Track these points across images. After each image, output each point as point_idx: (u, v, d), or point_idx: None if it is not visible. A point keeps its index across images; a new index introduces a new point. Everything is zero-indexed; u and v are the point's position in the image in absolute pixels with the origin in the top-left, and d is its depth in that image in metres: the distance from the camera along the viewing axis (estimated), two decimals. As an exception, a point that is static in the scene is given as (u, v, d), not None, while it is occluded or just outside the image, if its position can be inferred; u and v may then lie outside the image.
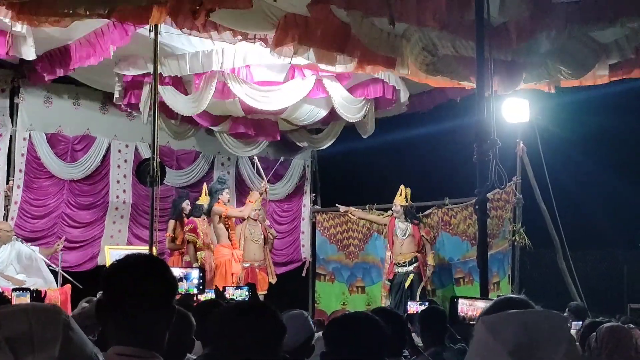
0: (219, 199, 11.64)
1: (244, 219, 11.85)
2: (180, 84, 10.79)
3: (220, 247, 11.54)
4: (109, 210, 12.12)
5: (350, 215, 12.90)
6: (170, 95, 10.57)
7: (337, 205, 12.69)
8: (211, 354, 2.18)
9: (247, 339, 2.12)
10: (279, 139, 12.45)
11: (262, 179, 12.49)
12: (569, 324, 1.50)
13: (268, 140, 12.56)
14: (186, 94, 10.76)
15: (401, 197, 11.80)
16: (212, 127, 12.06)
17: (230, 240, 11.59)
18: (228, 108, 11.15)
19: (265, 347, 2.13)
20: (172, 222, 11.68)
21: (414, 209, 11.94)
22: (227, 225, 11.68)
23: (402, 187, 11.84)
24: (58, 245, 10.58)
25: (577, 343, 6.16)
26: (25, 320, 1.32)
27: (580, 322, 7.72)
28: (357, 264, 13.35)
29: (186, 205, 11.70)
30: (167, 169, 12.02)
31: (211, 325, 2.25)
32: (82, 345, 1.34)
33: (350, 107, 11.28)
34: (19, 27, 8.60)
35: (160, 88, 9.13)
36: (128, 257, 2.51)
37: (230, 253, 11.49)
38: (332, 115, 11.75)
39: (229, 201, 12.11)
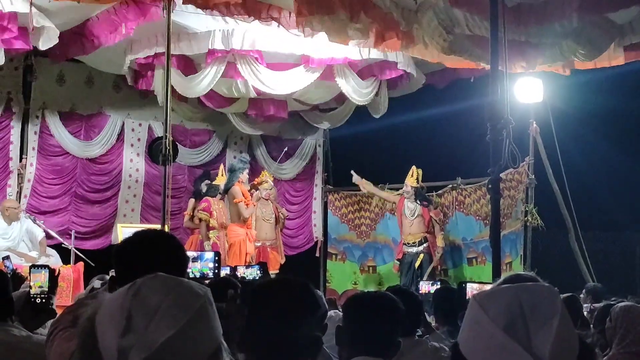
0: (239, 177, 11.64)
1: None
2: (192, 67, 10.77)
3: (234, 227, 11.49)
4: (121, 188, 12.17)
5: (362, 187, 12.52)
6: (177, 78, 10.53)
7: (352, 172, 12.34)
8: (245, 328, 2.17)
9: (280, 313, 2.12)
10: (286, 117, 12.41)
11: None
12: (560, 296, 1.49)
13: (278, 120, 12.53)
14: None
15: (412, 178, 11.75)
16: (222, 110, 12.05)
17: (245, 220, 11.55)
18: (240, 89, 11.11)
19: (300, 322, 2.13)
20: (192, 201, 11.83)
21: (424, 190, 11.89)
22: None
23: (413, 167, 11.78)
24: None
25: (591, 325, 6.17)
26: (161, 295, 1.30)
27: (589, 305, 7.74)
28: (369, 244, 13.35)
29: (204, 185, 11.79)
30: (181, 148, 12.14)
31: (246, 298, 2.25)
32: (199, 338, 1.31)
33: (360, 91, 11.23)
34: (44, 21, 8.64)
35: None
36: (138, 233, 2.55)
37: (244, 233, 11.48)
38: (344, 95, 11.72)
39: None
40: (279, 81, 10.59)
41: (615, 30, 8.20)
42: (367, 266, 13.38)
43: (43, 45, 9.21)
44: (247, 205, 11.47)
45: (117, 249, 2.48)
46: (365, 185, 12.54)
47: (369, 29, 8.29)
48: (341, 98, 12.11)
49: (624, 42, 8.51)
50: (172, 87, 8.95)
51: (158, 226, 8.67)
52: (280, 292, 2.20)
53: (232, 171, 11.71)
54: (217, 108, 11.85)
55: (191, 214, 11.65)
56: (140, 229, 2.54)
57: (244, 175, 11.76)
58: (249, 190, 11.84)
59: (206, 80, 10.44)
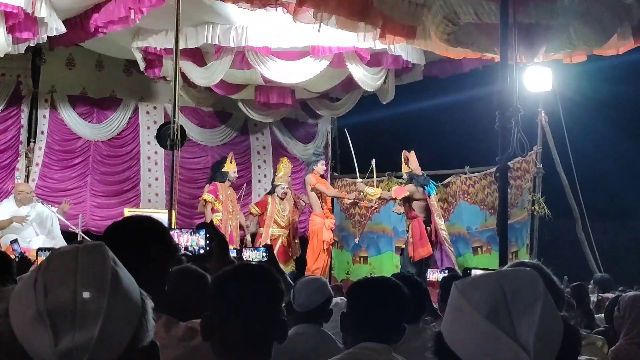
0: (313, 169, 12.16)
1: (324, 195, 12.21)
2: (200, 55, 10.74)
3: (313, 216, 12.18)
4: (141, 172, 12.19)
5: (368, 194, 11.76)
6: (187, 66, 10.53)
7: (356, 182, 12.07)
8: (208, 316, 2.18)
9: (241, 301, 2.13)
10: (294, 105, 12.45)
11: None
12: (541, 281, 1.48)
13: (285, 108, 12.51)
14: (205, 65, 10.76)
15: (405, 165, 11.62)
16: (231, 96, 12.04)
17: (323, 210, 12.12)
18: (247, 77, 11.13)
19: (261, 309, 2.14)
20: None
21: (423, 175, 11.53)
22: (318, 195, 12.04)
23: (404, 152, 11.62)
24: (65, 204, 10.51)
25: (597, 315, 6.16)
26: (72, 285, 1.24)
27: (596, 295, 7.72)
28: (364, 234, 13.26)
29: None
30: (199, 129, 12.46)
31: (209, 288, 2.27)
32: (128, 304, 1.29)
33: (370, 77, 11.24)
34: (45, 12, 8.63)
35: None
36: (127, 219, 2.59)
37: (322, 222, 12.03)
38: (351, 83, 11.72)
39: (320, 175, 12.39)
40: (288, 71, 10.61)
41: (622, 10, 8.09)
42: (359, 256, 13.30)
43: (48, 33, 9.20)
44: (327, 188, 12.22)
45: (105, 232, 2.52)
46: (369, 191, 11.75)
47: (374, 24, 8.30)
48: (348, 87, 12.08)
49: (632, 21, 8.38)
50: (182, 73, 8.96)
51: (165, 212, 8.68)
52: (242, 280, 2.20)
53: (308, 164, 12.45)
54: (225, 94, 11.84)
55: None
56: (130, 215, 2.59)
57: (319, 167, 12.23)
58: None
59: (217, 71, 10.46)
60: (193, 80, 10.90)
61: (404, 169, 11.57)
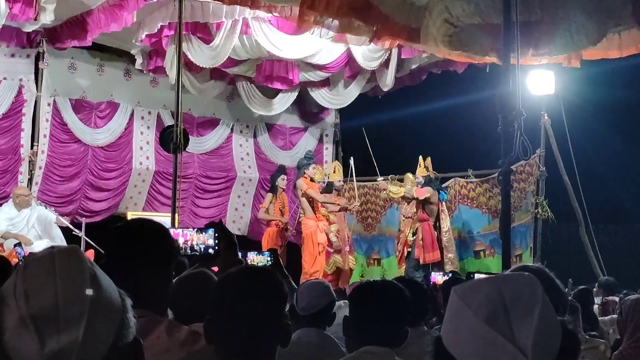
0: (304, 173, 12.20)
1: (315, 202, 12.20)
2: (205, 29, 10.55)
3: (305, 220, 12.19)
4: (132, 176, 12.18)
5: (388, 192, 12.00)
6: (192, 47, 10.42)
7: (378, 180, 12.20)
8: (212, 320, 2.17)
9: (245, 305, 2.11)
10: (297, 82, 12.21)
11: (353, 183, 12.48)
12: (540, 286, 1.49)
13: (288, 86, 12.36)
14: (209, 41, 10.55)
15: (421, 168, 11.68)
16: (231, 70, 11.86)
17: (315, 213, 12.13)
18: (254, 49, 10.94)
19: (265, 312, 2.12)
20: (269, 195, 12.33)
21: (438, 179, 11.77)
22: (310, 200, 12.10)
23: (420, 158, 11.71)
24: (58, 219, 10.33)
25: (602, 318, 6.15)
26: (52, 289, 1.24)
27: (601, 297, 7.71)
28: (375, 236, 13.32)
29: (281, 180, 12.35)
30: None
31: (212, 290, 2.25)
32: (109, 303, 1.28)
33: (370, 55, 11.25)
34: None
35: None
36: (129, 221, 2.60)
37: (315, 225, 12.02)
38: (352, 69, 11.75)
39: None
40: (291, 44, 10.58)
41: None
42: (372, 259, 13.37)
43: (44, 19, 9.20)
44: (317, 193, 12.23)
45: (107, 234, 2.53)
46: (393, 190, 11.91)
47: (375, 25, 8.30)
48: (351, 69, 12.03)
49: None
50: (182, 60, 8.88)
51: (168, 215, 8.69)
52: (245, 283, 2.19)
53: (298, 168, 12.40)
54: (225, 68, 11.59)
55: (267, 207, 12.19)
56: (132, 219, 2.59)
57: (310, 171, 12.26)
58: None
59: (223, 45, 10.31)
60: (198, 62, 10.75)
61: (420, 172, 11.63)
